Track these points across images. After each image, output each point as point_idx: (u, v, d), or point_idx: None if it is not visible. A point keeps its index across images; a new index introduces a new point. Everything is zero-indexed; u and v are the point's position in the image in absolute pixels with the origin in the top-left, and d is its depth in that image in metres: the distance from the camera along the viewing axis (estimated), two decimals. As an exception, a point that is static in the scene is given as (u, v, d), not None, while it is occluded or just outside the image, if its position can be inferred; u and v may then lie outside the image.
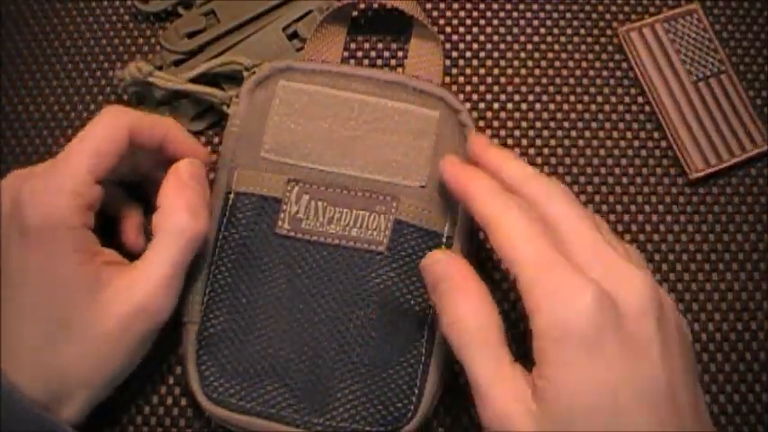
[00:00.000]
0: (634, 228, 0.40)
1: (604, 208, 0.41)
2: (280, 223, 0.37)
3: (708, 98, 0.42)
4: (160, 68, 0.43)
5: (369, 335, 0.36)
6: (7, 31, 0.45)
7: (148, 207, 0.39)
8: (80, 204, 0.32)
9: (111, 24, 0.45)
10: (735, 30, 0.43)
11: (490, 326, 0.30)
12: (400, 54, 0.43)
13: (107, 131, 0.34)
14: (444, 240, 0.37)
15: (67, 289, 0.32)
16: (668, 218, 0.41)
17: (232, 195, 0.38)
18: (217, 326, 0.36)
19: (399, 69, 0.43)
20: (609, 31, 0.44)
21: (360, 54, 0.43)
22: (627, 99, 0.43)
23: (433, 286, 0.32)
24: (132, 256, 0.35)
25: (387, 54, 0.44)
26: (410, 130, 0.38)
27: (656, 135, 0.42)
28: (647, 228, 0.41)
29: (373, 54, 0.43)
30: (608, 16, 0.44)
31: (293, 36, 0.43)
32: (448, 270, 0.31)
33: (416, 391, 0.35)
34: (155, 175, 0.37)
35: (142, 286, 0.33)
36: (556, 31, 0.44)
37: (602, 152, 0.42)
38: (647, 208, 0.41)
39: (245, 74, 0.40)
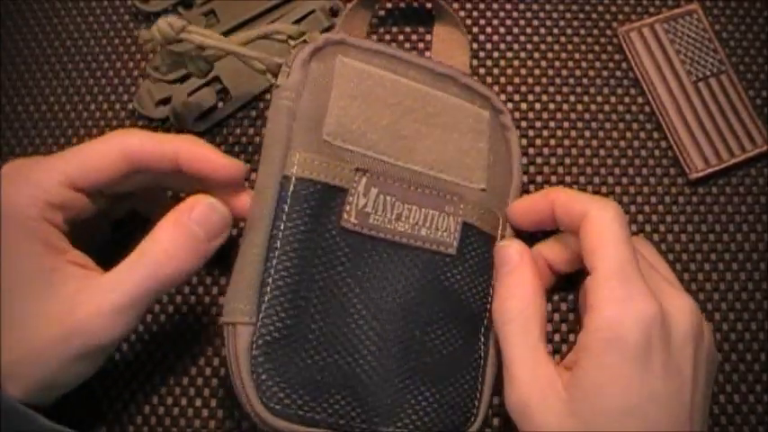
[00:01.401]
0: (634, 228, 0.40)
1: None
2: (346, 216, 0.33)
3: (708, 98, 0.42)
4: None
5: (435, 338, 0.35)
6: (7, 31, 0.45)
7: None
8: (47, 201, 0.31)
9: (111, 24, 0.45)
10: (735, 30, 0.43)
11: (533, 315, 0.33)
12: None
13: (99, 150, 0.33)
14: (494, 244, 0.37)
15: (20, 277, 0.30)
16: (668, 218, 0.41)
17: (293, 181, 0.32)
18: (280, 329, 0.31)
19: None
20: (609, 31, 0.44)
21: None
22: (627, 99, 0.43)
23: (497, 268, 0.35)
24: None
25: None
26: (469, 129, 0.37)
27: (656, 135, 0.42)
28: (647, 228, 0.41)
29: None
30: (608, 16, 0.44)
31: (293, 36, 0.43)
32: (512, 255, 0.35)
33: (478, 394, 0.35)
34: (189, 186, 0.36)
35: (85, 306, 0.30)
36: (556, 31, 0.44)
37: (602, 152, 0.42)
38: (647, 208, 0.41)
39: (291, 42, 0.36)
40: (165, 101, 0.42)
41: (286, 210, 0.32)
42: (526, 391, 0.31)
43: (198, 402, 0.38)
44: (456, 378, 0.34)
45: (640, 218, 0.41)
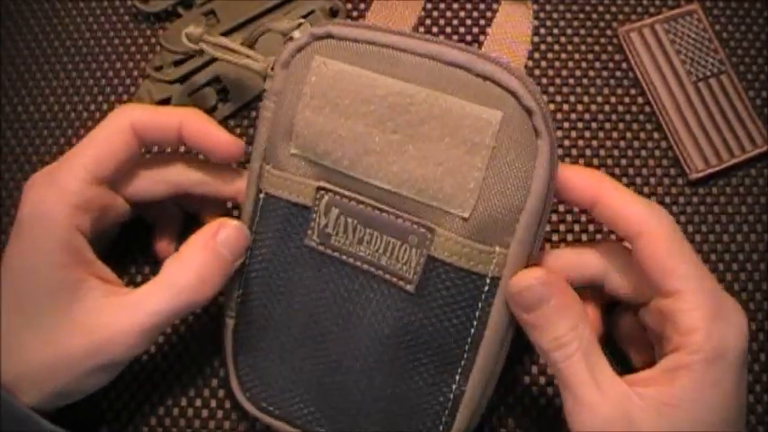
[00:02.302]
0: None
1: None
2: (309, 233, 0.33)
3: (708, 98, 0.42)
4: (160, 68, 0.43)
5: (393, 370, 0.32)
6: (7, 31, 0.45)
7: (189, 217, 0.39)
8: (74, 203, 0.31)
9: (111, 24, 0.45)
10: (735, 30, 0.43)
11: (590, 336, 0.30)
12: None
13: (109, 132, 0.33)
14: (488, 282, 0.31)
15: (43, 288, 0.31)
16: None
17: (262, 195, 0.34)
18: (249, 328, 0.35)
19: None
20: (609, 32, 0.44)
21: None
22: (627, 99, 0.43)
23: (530, 308, 0.31)
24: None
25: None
26: (462, 140, 0.30)
27: (656, 135, 0.42)
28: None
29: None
30: (608, 16, 0.44)
31: (293, 36, 0.43)
32: (546, 291, 0.30)
33: (442, 427, 0.33)
34: (194, 190, 0.36)
35: (113, 325, 0.30)
36: (556, 31, 0.44)
37: (602, 152, 0.42)
38: None
39: (284, 39, 0.34)
40: (165, 101, 0.42)
41: (256, 222, 0.34)
42: (604, 416, 0.29)
43: (198, 402, 0.38)
44: (412, 419, 0.33)
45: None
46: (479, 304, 0.31)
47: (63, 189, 0.31)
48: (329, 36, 0.32)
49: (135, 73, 0.44)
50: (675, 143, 0.41)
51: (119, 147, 0.33)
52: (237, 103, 0.43)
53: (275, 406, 0.35)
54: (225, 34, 0.43)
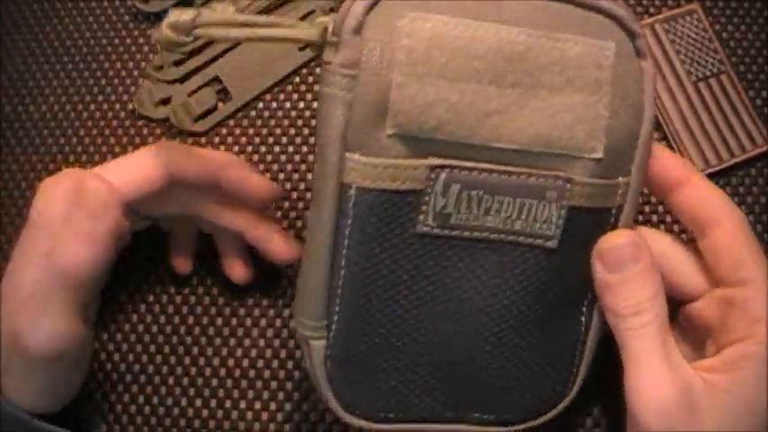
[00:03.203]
0: (683, 220, 0.40)
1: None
2: (422, 218, 0.29)
3: (708, 98, 0.42)
4: (160, 68, 0.43)
5: (528, 330, 0.31)
6: (7, 31, 0.45)
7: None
8: (119, 195, 0.32)
9: (111, 24, 0.45)
10: (735, 30, 0.43)
11: (665, 313, 0.30)
12: None
13: (145, 170, 0.33)
14: (614, 213, 0.31)
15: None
16: (668, 218, 0.41)
17: (353, 191, 0.28)
18: (353, 345, 0.30)
19: None
20: (609, 32, 0.44)
21: None
22: (627, 99, 0.42)
23: (615, 268, 0.30)
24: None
25: None
26: (584, 82, 0.29)
27: (656, 135, 0.42)
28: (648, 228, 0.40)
29: None
30: (608, 16, 0.44)
31: (293, 36, 0.43)
32: (633, 254, 0.30)
33: (575, 369, 0.32)
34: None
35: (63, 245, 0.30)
36: (556, 31, 0.44)
37: (602, 152, 0.42)
38: (647, 208, 0.41)
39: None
40: (165, 101, 0.42)
41: (349, 224, 0.28)
42: (670, 394, 0.29)
43: (198, 402, 0.38)
44: (550, 364, 0.32)
45: (640, 218, 0.41)
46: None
47: (113, 219, 0.31)
48: None
49: (135, 73, 0.44)
50: (675, 143, 0.41)
51: (152, 187, 0.33)
52: (237, 103, 0.43)
53: (392, 411, 0.32)
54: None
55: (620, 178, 0.30)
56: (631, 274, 0.30)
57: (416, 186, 0.28)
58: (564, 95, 0.28)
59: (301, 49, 0.43)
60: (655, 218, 0.41)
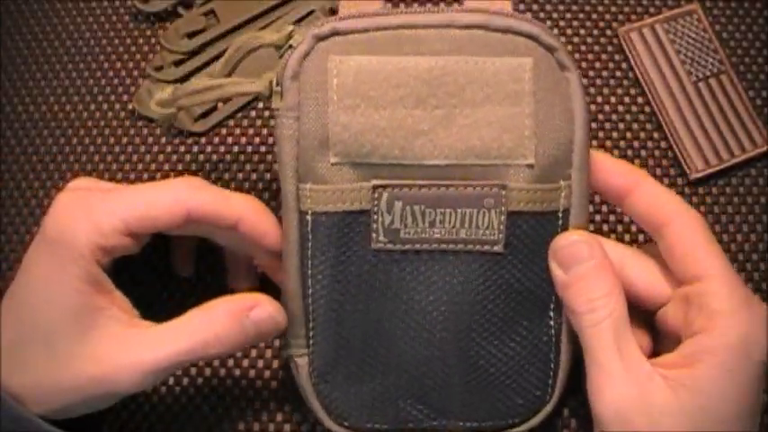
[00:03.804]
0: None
1: (605, 208, 0.41)
2: (374, 236, 0.32)
3: (708, 98, 0.42)
4: (160, 68, 0.43)
5: (496, 336, 0.33)
6: (7, 31, 0.45)
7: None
8: (101, 244, 0.31)
9: (111, 24, 0.45)
10: (735, 30, 0.43)
11: (622, 308, 0.30)
12: None
13: (165, 206, 0.32)
14: (561, 216, 0.32)
15: (62, 310, 0.31)
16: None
17: (310, 216, 0.32)
18: (332, 358, 0.33)
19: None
20: (609, 32, 0.44)
21: None
22: (627, 99, 0.42)
23: (568, 266, 0.31)
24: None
25: None
26: (505, 94, 0.31)
27: (656, 135, 0.42)
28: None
29: None
30: (608, 16, 0.44)
31: (293, 36, 0.43)
32: (586, 251, 0.31)
33: (552, 373, 0.33)
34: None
35: (124, 358, 0.30)
36: (556, 31, 0.44)
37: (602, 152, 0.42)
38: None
39: (278, 52, 0.32)
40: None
41: (310, 247, 0.32)
42: (624, 390, 0.29)
43: (198, 401, 0.38)
44: (526, 366, 0.33)
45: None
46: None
47: (96, 228, 0.31)
48: (335, 33, 0.31)
49: (135, 73, 0.44)
50: (675, 143, 0.41)
51: (167, 222, 0.32)
52: (237, 104, 0.43)
53: (378, 421, 0.34)
54: (225, 34, 0.43)
55: (562, 182, 0.32)
56: (584, 272, 0.31)
57: (364, 207, 0.31)
58: (486, 110, 0.31)
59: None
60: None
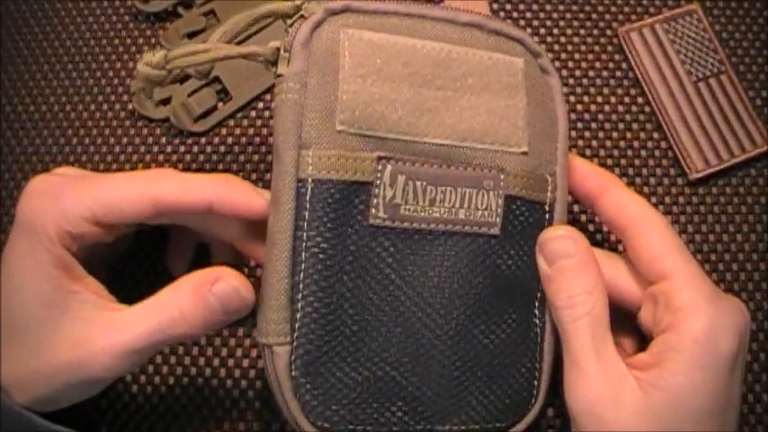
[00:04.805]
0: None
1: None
2: (374, 211, 0.31)
3: (708, 98, 0.42)
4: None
5: (487, 326, 0.32)
6: (7, 31, 0.45)
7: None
8: (68, 231, 0.31)
9: (111, 24, 0.45)
10: (735, 30, 0.43)
11: (602, 307, 0.31)
12: None
13: (128, 195, 0.32)
14: (548, 209, 0.33)
15: (34, 297, 0.30)
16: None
17: (309, 184, 0.30)
18: (318, 346, 0.30)
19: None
20: (609, 32, 0.44)
21: None
22: (627, 99, 0.43)
23: (552, 260, 0.32)
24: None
25: None
26: (502, 86, 0.33)
27: (656, 135, 0.42)
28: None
29: None
30: (608, 17, 0.44)
31: (293, 36, 0.43)
32: (571, 246, 0.32)
33: (537, 373, 0.33)
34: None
35: (97, 341, 0.30)
36: (556, 31, 0.44)
37: (602, 152, 0.42)
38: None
39: (288, 21, 0.32)
40: (165, 101, 0.42)
41: (306, 217, 0.30)
42: (596, 389, 0.29)
43: (198, 401, 0.38)
44: (512, 363, 0.33)
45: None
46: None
47: (62, 214, 0.31)
48: (347, 10, 0.31)
49: (135, 73, 0.44)
50: (675, 143, 0.41)
51: (133, 212, 0.32)
52: (237, 103, 0.43)
53: (360, 424, 0.31)
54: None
55: (548, 176, 0.34)
56: (567, 267, 0.31)
57: (367, 178, 0.31)
58: (485, 97, 0.33)
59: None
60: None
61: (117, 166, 0.42)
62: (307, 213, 0.30)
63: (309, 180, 0.30)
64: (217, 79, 0.43)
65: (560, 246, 0.32)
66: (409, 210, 0.31)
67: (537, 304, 0.33)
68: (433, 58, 0.32)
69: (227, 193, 0.32)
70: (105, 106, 0.43)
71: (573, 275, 0.31)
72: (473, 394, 0.32)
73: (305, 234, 0.30)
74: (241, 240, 0.35)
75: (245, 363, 0.39)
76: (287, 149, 0.30)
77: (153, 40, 0.44)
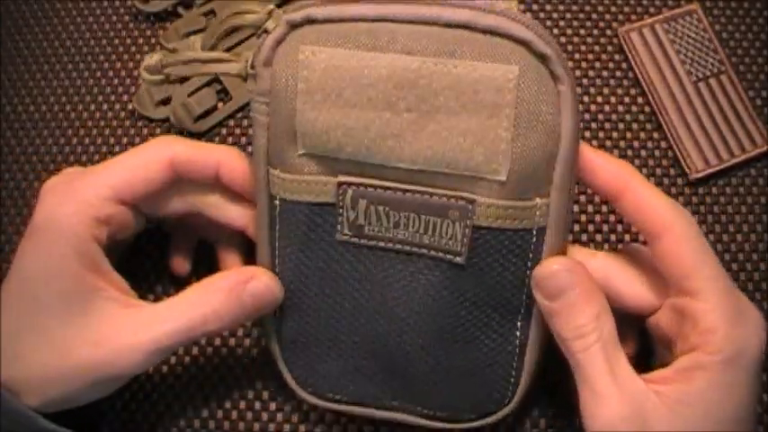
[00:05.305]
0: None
1: (605, 208, 0.41)
2: (339, 228, 0.31)
3: (708, 98, 0.42)
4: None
5: (457, 338, 0.32)
6: (7, 31, 0.45)
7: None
8: (92, 215, 0.31)
9: (111, 24, 0.45)
10: (735, 30, 0.43)
11: (611, 328, 0.30)
12: None
13: (146, 160, 0.32)
14: (535, 233, 0.31)
15: (56, 295, 0.30)
16: (605, 227, 0.41)
17: (278, 202, 0.32)
18: (299, 334, 0.34)
19: None
20: (609, 32, 0.44)
21: None
22: (627, 99, 0.42)
23: (553, 296, 0.31)
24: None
25: None
26: (482, 105, 0.29)
27: (656, 135, 0.42)
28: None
29: None
30: (608, 17, 0.44)
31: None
32: (568, 280, 0.30)
33: (513, 379, 0.33)
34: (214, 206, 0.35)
35: (123, 339, 0.30)
36: (556, 31, 0.44)
37: (602, 152, 0.42)
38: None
39: (257, 33, 0.32)
40: (165, 101, 0.42)
41: (277, 230, 0.32)
42: (618, 410, 0.29)
43: (198, 402, 0.38)
44: (486, 370, 0.33)
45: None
46: (530, 255, 0.31)
47: (83, 201, 0.31)
48: (309, 21, 0.29)
49: (135, 73, 0.44)
50: (675, 143, 0.41)
51: (154, 177, 0.32)
52: (237, 103, 0.43)
53: (340, 393, 0.35)
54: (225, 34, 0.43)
55: (538, 199, 0.30)
56: (570, 301, 0.30)
57: (329, 200, 0.31)
58: (460, 119, 0.29)
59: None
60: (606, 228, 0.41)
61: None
62: (278, 227, 0.32)
63: (278, 198, 0.32)
64: (217, 79, 0.43)
65: (558, 282, 0.30)
66: (373, 230, 0.31)
67: (520, 318, 0.32)
68: (399, 77, 0.29)
69: (234, 158, 0.34)
70: (105, 106, 0.43)
71: (578, 308, 0.30)
72: (446, 389, 0.33)
73: (277, 244, 0.33)
74: (250, 226, 0.35)
75: (246, 362, 0.39)
76: (259, 166, 0.32)
77: (153, 40, 0.44)
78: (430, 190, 0.30)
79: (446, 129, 0.29)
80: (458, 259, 0.31)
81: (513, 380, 0.33)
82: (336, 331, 0.33)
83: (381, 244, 0.31)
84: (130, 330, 0.30)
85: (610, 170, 0.31)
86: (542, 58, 0.29)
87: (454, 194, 0.30)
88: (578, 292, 0.30)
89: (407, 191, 0.30)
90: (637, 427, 0.28)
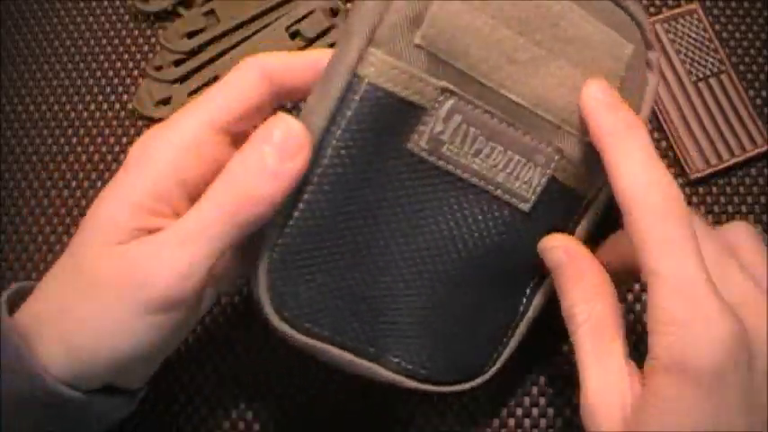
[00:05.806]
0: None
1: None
2: (416, 137, 0.29)
3: (708, 98, 0.42)
4: (160, 68, 0.43)
5: (469, 291, 0.32)
6: (7, 31, 0.45)
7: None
8: (180, 144, 0.28)
9: (111, 24, 0.45)
10: (735, 30, 0.43)
11: (603, 317, 0.29)
12: None
13: (238, 77, 0.30)
14: (584, 205, 0.32)
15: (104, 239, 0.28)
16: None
17: (364, 85, 0.28)
18: (305, 241, 0.29)
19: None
20: (609, 32, 0.44)
21: None
22: (627, 99, 0.42)
23: (551, 269, 0.31)
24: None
25: None
26: (599, 68, 0.30)
27: (656, 135, 0.42)
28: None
29: None
30: (608, 16, 0.44)
31: (295, 35, 0.43)
32: (562, 258, 0.30)
33: (501, 347, 0.33)
34: None
35: (153, 263, 0.27)
36: (556, 31, 0.44)
37: (602, 152, 0.42)
38: None
39: None
40: (165, 101, 0.42)
41: (347, 115, 0.28)
42: (593, 402, 0.28)
43: (198, 401, 0.38)
44: (481, 328, 0.32)
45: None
46: (571, 225, 0.32)
47: (174, 129, 0.29)
48: None
49: (135, 73, 0.44)
50: (675, 143, 0.41)
51: (248, 93, 0.29)
52: (237, 103, 0.43)
53: (316, 325, 0.30)
54: (225, 34, 0.43)
55: (597, 171, 0.30)
56: (561, 278, 0.30)
57: (424, 103, 0.28)
58: (578, 72, 0.30)
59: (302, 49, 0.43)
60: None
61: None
62: (349, 112, 0.28)
63: (366, 81, 0.28)
64: (217, 79, 0.43)
65: (555, 257, 0.31)
66: (451, 151, 0.29)
67: (528, 292, 0.33)
68: (544, 10, 0.29)
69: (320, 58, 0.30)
70: (105, 106, 0.43)
71: (568, 286, 0.30)
72: (430, 347, 0.32)
73: (339, 131, 0.28)
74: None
75: (246, 361, 0.39)
76: (355, 38, 0.27)
77: (153, 40, 0.44)
78: (526, 129, 0.30)
79: (563, 75, 0.30)
80: (522, 206, 0.31)
81: (500, 349, 0.33)
82: (340, 248, 0.30)
83: (450, 168, 0.29)
84: (160, 254, 0.27)
85: (603, 124, 0.29)
86: (648, 45, 0.31)
87: (548, 140, 0.30)
88: (569, 272, 0.30)
89: (506, 122, 0.29)
90: (602, 414, 0.27)
